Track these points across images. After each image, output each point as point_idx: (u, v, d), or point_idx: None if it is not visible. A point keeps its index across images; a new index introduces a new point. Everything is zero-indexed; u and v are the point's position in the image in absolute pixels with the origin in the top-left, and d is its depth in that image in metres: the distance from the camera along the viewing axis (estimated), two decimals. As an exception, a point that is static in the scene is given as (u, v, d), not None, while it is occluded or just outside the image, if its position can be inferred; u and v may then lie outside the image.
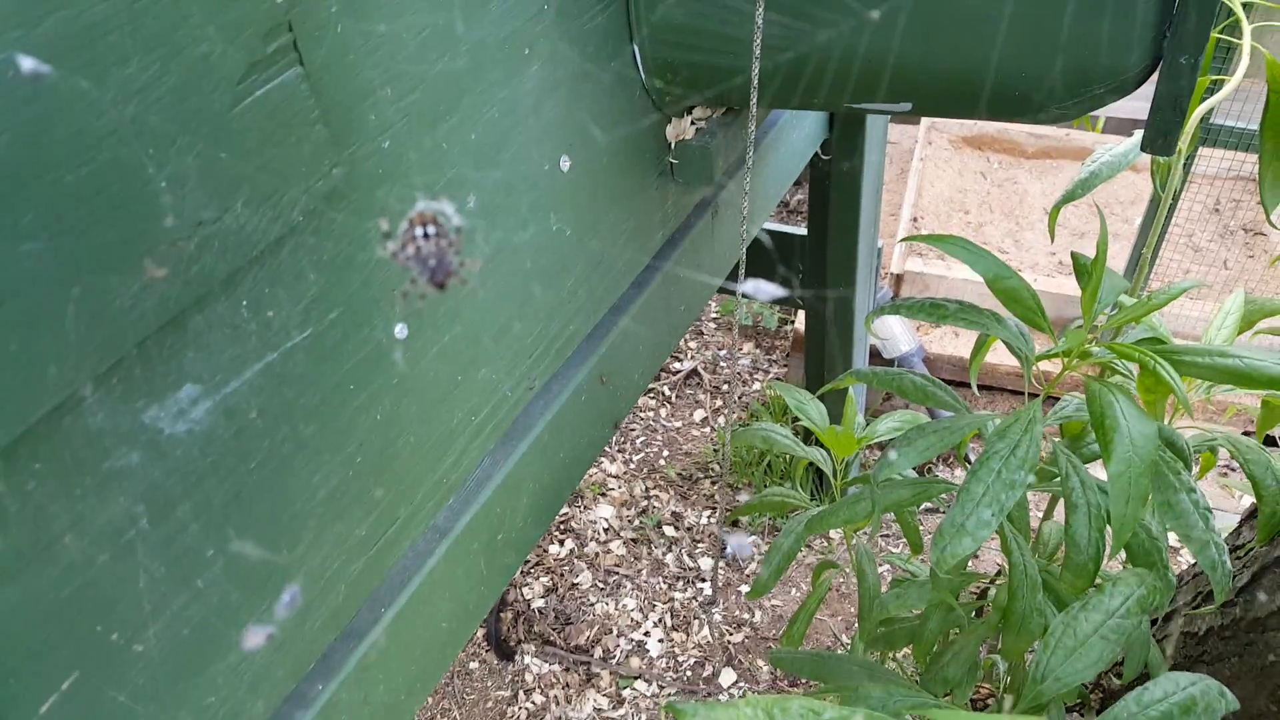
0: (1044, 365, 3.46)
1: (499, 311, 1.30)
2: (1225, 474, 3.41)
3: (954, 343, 3.59)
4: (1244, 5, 1.61)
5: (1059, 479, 1.64)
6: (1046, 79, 1.30)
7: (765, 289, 0.67)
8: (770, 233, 2.72)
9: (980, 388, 3.57)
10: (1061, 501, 1.78)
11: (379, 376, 1.12)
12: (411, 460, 1.21)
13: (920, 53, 1.25)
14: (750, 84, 1.23)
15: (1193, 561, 1.98)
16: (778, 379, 3.72)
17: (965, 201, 4.26)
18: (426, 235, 0.89)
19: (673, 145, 1.57)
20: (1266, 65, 1.58)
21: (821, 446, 2.06)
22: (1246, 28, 1.58)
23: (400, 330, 1.12)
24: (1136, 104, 4.32)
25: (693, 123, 1.57)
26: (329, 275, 1.02)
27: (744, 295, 0.66)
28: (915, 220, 4.15)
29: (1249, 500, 3.23)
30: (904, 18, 1.23)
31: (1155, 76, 1.32)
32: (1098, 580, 1.46)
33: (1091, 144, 4.39)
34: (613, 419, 1.68)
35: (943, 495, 1.67)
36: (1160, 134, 1.40)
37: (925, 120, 4.73)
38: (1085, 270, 1.56)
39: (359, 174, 1.02)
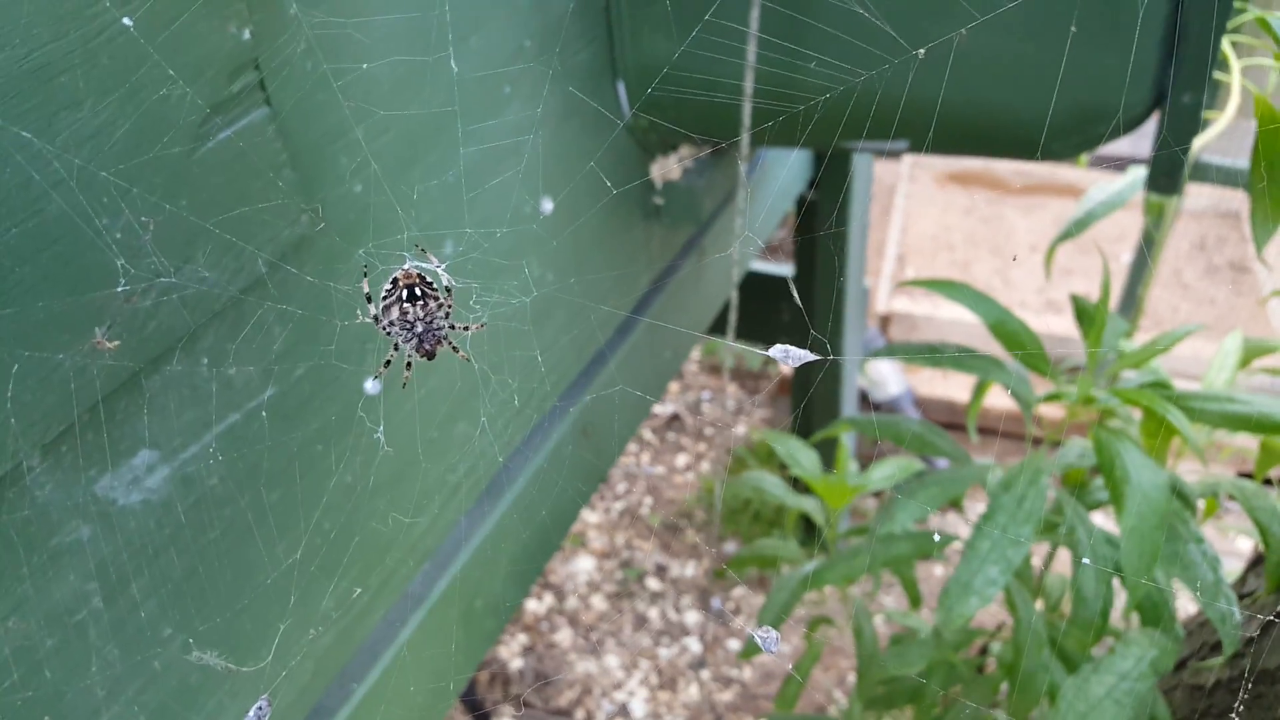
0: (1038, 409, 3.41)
1: (476, 363, 1.23)
2: (1219, 516, 3.37)
3: (943, 384, 3.54)
4: (1232, 44, 1.58)
5: (1063, 529, 1.58)
6: (1051, 117, 1.25)
7: (795, 354, 0.60)
8: (755, 274, 2.66)
9: (965, 429, 3.51)
10: (1062, 552, 1.72)
11: (348, 436, 1.04)
12: (383, 524, 1.13)
13: (926, 93, 1.21)
14: (741, 122, 1.17)
15: (1195, 610, 1.92)
16: (762, 422, 3.66)
17: (951, 239, 4.23)
18: (414, 298, 0.81)
19: (659, 185, 1.51)
20: (1255, 103, 1.55)
21: (812, 494, 1.99)
22: (1235, 66, 1.55)
23: (371, 386, 1.05)
24: (1119, 141, 4.31)
25: (679, 161, 1.51)
26: (296, 329, 0.94)
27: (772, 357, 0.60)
28: (901, 258, 4.11)
29: (1242, 542, 3.18)
30: (910, 61, 1.18)
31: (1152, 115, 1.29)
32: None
33: (1078, 180, 4.38)
34: (596, 473, 1.61)
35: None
36: (1164, 172, 1.36)
37: (908, 156, 4.72)
38: (1086, 313, 1.51)
39: (329, 220, 0.95)
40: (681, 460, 3.56)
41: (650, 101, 1.39)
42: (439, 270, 0.83)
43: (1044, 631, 1.51)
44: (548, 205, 1.28)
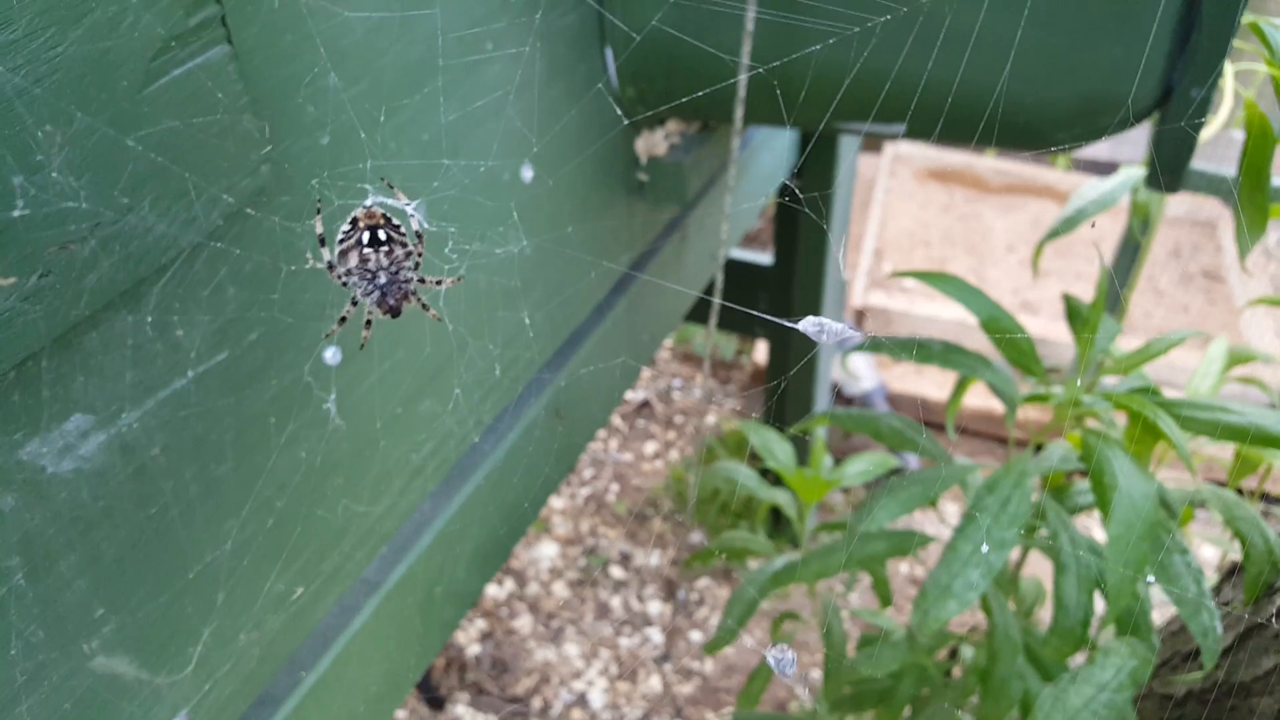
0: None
1: (446, 337, 1.16)
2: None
3: (915, 381, 3.50)
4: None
5: (1043, 534, 1.53)
6: (1055, 106, 1.20)
7: (831, 328, 0.53)
8: (733, 261, 2.61)
9: (937, 426, 3.48)
10: (1035, 554, 1.68)
11: (305, 409, 0.97)
12: (340, 504, 1.06)
13: (925, 71, 1.15)
14: (736, 94, 1.11)
15: (1167, 619, 1.89)
16: (733, 413, 3.61)
17: (928, 235, 4.20)
18: (376, 242, 0.73)
19: (643, 161, 1.44)
20: (1245, 107, 1.51)
21: (785, 487, 1.95)
22: (1229, 69, 1.52)
23: (332, 355, 0.98)
24: (1098, 145, 4.29)
25: (665, 137, 1.45)
26: (251, 290, 0.87)
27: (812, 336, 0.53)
28: (878, 253, 4.07)
29: (1207, 550, 3.18)
30: (912, 32, 1.12)
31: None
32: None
33: (1057, 182, 4.36)
34: (568, 457, 1.54)
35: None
36: (1166, 169, 1.32)
37: (889, 151, 4.68)
38: (1079, 312, 1.46)
39: (292, 173, 0.88)
40: (650, 448, 3.50)
41: (637, 70, 1.32)
42: (409, 210, 0.75)
43: (1019, 639, 1.47)
44: (528, 173, 1.21)
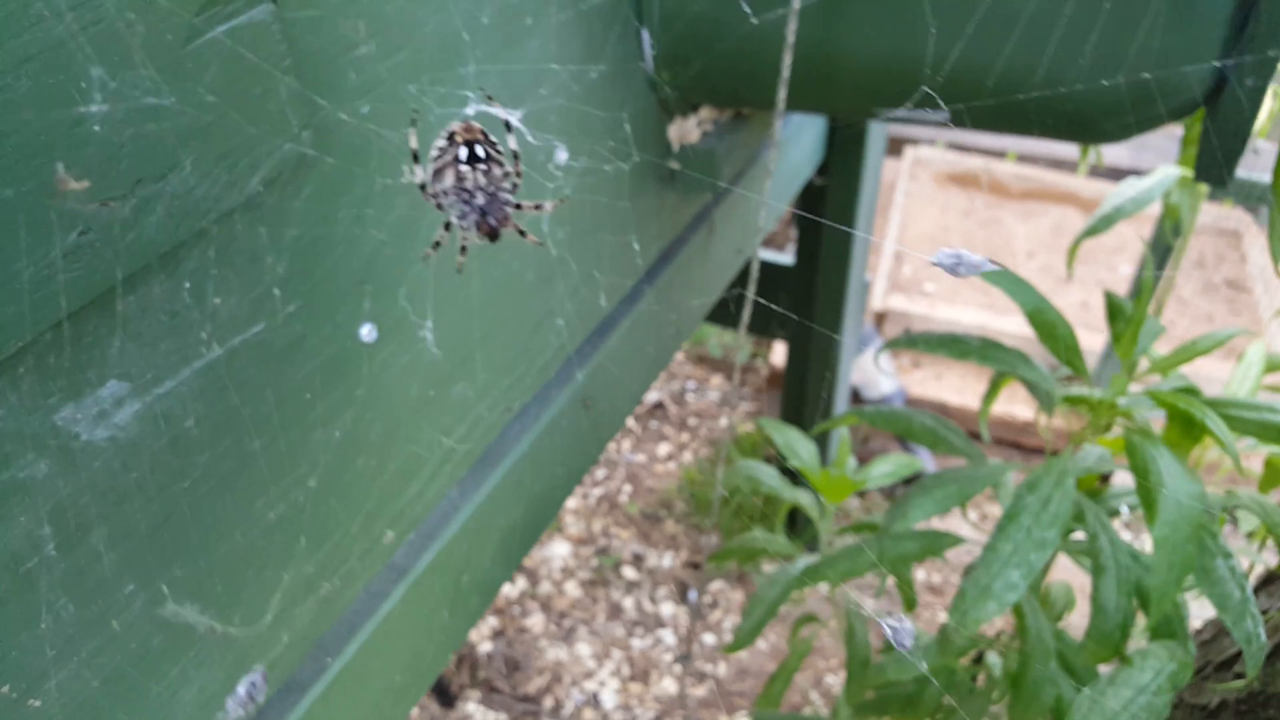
0: (1028, 414, 3.36)
1: (479, 320, 1.13)
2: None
3: (935, 386, 3.47)
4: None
5: (1076, 538, 1.50)
6: (1106, 93, 1.17)
7: (969, 259, 0.50)
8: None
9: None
10: (1062, 558, 1.65)
11: (340, 386, 0.95)
12: (371, 487, 1.03)
13: (971, 54, 1.12)
14: (779, 78, 1.08)
15: (1198, 627, 1.86)
16: (748, 416, 3.57)
17: (949, 240, 4.17)
18: (475, 160, 0.68)
19: (676, 148, 1.42)
20: (1283, 110, 1.48)
21: (807, 488, 1.92)
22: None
23: (368, 333, 0.95)
24: (1118, 151, 4.25)
25: (699, 124, 1.42)
26: (290, 260, 0.85)
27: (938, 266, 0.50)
28: (898, 256, 4.05)
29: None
30: (958, 12, 1.10)
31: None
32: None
33: (1078, 188, 4.33)
34: (593, 449, 1.51)
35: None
36: (1217, 161, 1.28)
37: (909, 154, 4.66)
38: (1122, 312, 1.43)
39: (333, 141, 0.85)
40: (663, 449, 3.47)
41: (673, 53, 1.29)
42: (513, 122, 0.71)
43: (1052, 643, 1.43)
44: (561, 154, 1.18)
